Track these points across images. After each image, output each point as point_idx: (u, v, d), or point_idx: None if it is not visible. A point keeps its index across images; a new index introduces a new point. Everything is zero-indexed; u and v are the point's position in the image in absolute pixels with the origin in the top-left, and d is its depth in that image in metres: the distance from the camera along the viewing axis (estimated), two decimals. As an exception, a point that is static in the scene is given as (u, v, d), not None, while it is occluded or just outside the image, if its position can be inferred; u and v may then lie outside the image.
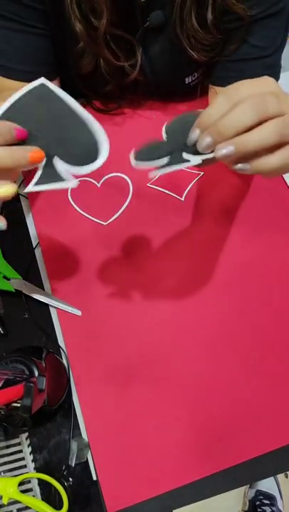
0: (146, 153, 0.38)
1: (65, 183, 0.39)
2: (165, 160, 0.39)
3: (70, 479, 0.50)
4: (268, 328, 0.57)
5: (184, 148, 0.39)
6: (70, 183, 0.39)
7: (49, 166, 0.39)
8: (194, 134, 0.37)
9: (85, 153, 0.39)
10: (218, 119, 0.34)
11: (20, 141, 0.38)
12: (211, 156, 0.37)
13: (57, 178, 0.39)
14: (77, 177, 0.39)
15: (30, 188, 0.39)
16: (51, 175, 0.39)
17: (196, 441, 0.51)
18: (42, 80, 0.38)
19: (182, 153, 0.39)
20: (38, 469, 0.51)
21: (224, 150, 0.34)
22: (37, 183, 0.39)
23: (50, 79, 0.60)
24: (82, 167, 0.39)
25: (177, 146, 0.39)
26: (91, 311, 0.57)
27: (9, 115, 0.38)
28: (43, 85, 0.38)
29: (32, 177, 0.39)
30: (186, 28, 0.54)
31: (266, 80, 0.36)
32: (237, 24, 0.55)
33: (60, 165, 0.39)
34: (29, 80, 0.57)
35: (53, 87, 0.38)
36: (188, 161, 0.39)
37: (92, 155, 0.39)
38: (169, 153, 0.39)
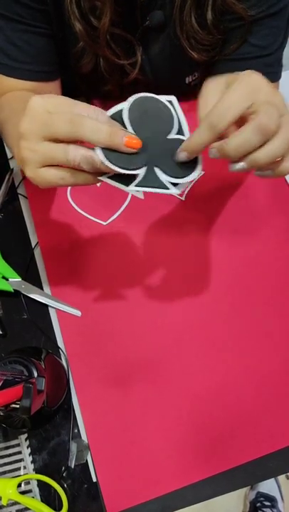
0: (118, 160, 0.38)
1: (167, 191, 0.40)
2: (141, 172, 0.40)
3: (70, 480, 0.50)
4: (270, 328, 0.56)
5: (158, 159, 0.40)
6: (174, 191, 0.40)
7: (150, 173, 0.40)
8: (182, 155, 0.39)
9: (184, 165, 0.40)
10: (226, 145, 0.37)
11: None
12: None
13: (159, 184, 0.40)
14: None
15: (132, 187, 0.40)
16: (153, 180, 0.40)
17: (197, 442, 0.51)
18: (172, 97, 0.40)
19: (158, 172, 0.40)
20: (37, 470, 0.51)
21: (237, 166, 0.38)
22: (138, 185, 0.40)
23: (52, 78, 0.60)
24: (178, 178, 0.40)
25: (150, 152, 0.39)
26: (91, 312, 0.57)
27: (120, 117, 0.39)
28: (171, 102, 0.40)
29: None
30: (185, 28, 0.54)
31: (256, 83, 0.37)
32: (237, 24, 0.55)
33: (161, 175, 0.40)
34: (32, 79, 0.58)
35: (178, 107, 0.40)
36: (167, 188, 0.41)
37: (189, 166, 0.40)
38: (143, 163, 0.39)
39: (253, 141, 0.36)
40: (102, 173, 0.39)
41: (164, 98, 0.40)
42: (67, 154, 0.37)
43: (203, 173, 0.65)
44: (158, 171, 0.40)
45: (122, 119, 0.39)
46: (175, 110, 0.40)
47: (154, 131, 0.40)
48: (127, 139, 0.37)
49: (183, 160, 0.39)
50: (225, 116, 0.36)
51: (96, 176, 0.39)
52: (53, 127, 0.36)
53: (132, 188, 0.41)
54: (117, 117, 0.39)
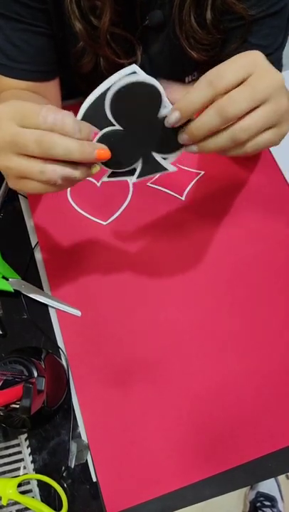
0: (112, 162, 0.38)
1: (165, 171, 0.41)
2: (138, 165, 0.40)
3: (70, 480, 0.50)
4: (270, 328, 0.56)
5: (151, 144, 0.40)
6: (171, 169, 0.41)
7: (149, 159, 0.40)
8: (174, 116, 0.37)
9: (172, 138, 0.39)
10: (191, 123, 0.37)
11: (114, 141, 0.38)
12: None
13: (158, 167, 0.40)
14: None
15: (134, 180, 0.41)
16: (152, 166, 0.40)
17: (197, 442, 0.51)
18: (134, 68, 0.36)
19: (155, 156, 0.40)
20: (37, 470, 0.50)
21: (189, 148, 0.39)
22: (139, 176, 0.41)
23: (51, 78, 0.60)
24: (172, 154, 0.40)
25: (142, 138, 0.39)
26: (91, 312, 0.57)
27: (98, 108, 0.37)
28: (134, 74, 0.36)
29: None
30: (185, 28, 0.54)
31: (252, 57, 0.36)
32: (237, 23, 0.55)
33: (157, 157, 0.40)
34: (30, 79, 0.58)
35: (143, 75, 0.37)
36: (166, 169, 0.41)
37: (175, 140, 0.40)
38: (138, 155, 0.39)
39: (213, 123, 0.36)
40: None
41: (147, 79, 0.37)
42: (44, 175, 0.36)
43: (203, 173, 0.65)
44: (155, 155, 0.40)
45: (103, 109, 0.37)
46: (159, 90, 0.38)
47: (141, 115, 0.38)
48: (97, 153, 0.36)
49: (173, 122, 0.37)
50: (224, 75, 0.35)
51: (81, 176, 0.38)
52: (23, 147, 0.35)
53: (134, 181, 0.41)
54: (99, 106, 0.37)
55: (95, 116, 0.37)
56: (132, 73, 0.35)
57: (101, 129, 0.38)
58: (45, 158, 0.35)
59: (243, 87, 0.35)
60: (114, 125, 0.38)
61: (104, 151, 0.37)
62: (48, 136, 0.34)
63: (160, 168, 0.41)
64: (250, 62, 0.36)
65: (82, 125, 0.36)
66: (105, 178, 0.41)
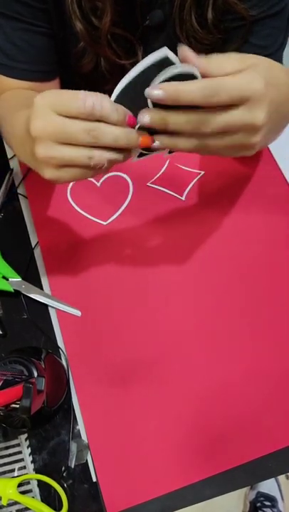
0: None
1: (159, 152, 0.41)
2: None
3: (70, 481, 0.50)
4: (270, 328, 0.56)
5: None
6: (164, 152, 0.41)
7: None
8: (157, 92, 0.35)
9: None
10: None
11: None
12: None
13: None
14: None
15: (136, 159, 0.42)
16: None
17: (197, 442, 0.51)
18: (166, 51, 0.36)
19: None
20: (37, 470, 0.50)
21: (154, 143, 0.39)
22: (139, 156, 0.42)
23: (51, 78, 0.60)
24: None
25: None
26: (91, 312, 0.57)
27: (127, 91, 0.38)
28: (166, 58, 0.36)
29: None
30: (185, 28, 0.54)
31: (255, 80, 0.36)
32: (238, 24, 0.54)
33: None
34: (31, 79, 0.58)
35: (175, 59, 0.36)
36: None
37: None
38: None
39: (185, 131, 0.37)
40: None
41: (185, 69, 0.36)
42: (92, 160, 0.37)
43: (203, 173, 0.65)
44: None
45: (136, 92, 0.37)
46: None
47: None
48: (142, 139, 0.38)
49: (154, 98, 0.35)
50: (221, 93, 0.34)
51: (124, 159, 0.40)
52: (71, 136, 0.36)
53: (166, 155, 0.43)
54: (131, 89, 0.38)
55: (128, 99, 0.38)
56: (164, 58, 0.36)
57: (134, 113, 0.38)
58: (93, 146, 0.37)
59: (229, 116, 0.36)
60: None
61: (147, 138, 0.38)
62: (97, 125, 0.36)
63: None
64: (249, 86, 0.35)
65: (119, 107, 0.37)
66: (135, 159, 0.42)
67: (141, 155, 0.43)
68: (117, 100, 0.38)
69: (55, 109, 0.36)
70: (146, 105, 0.38)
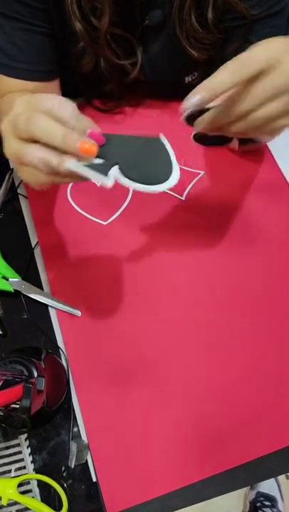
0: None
1: (104, 179, 0.37)
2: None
3: (70, 481, 0.50)
4: (270, 328, 0.56)
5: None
6: (108, 182, 0.37)
7: (103, 166, 0.37)
8: (195, 98, 0.37)
9: (153, 174, 0.40)
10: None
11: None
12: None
13: (102, 172, 0.37)
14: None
15: (72, 163, 0.35)
16: (99, 170, 0.37)
17: (197, 442, 0.51)
18: (161, 138, 0.41)
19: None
20: (37, 470, 0.50)
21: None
22: (81, 167, 0.37)
23: (51, 78, 0.60)
24: (144, 185, 0.40)
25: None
26: (91, 312, 0.57)
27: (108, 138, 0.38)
28: (160, 142, 0.41)
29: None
30: (185, 27, 0.54)
31: (280, 46, 0.38)
32: (238, 23, 0.54)
33: (114, 170, 0.38)
34: (31, 79, 0.57)
35: (168, 146, 0.41)
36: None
37: (158, 178, 0.40)
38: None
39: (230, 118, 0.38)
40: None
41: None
42: (25, 155, 0.35)
43: (203, 173, 0.65)
44: (114, 170, 0.39)
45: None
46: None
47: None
48: (81, 143, 0.33)
49: (194, 103, 0.37)
50: (251, 64, 0.36)
51: (61, 167, 0.35)
52: (15, 126, 0.35)
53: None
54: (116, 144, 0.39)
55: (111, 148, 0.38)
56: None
57: (104, 148, 0.37)
58: (31, 139, 0.34)
59: (264, 82, 0.37)
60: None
61: (88, 146, 0.34)
62: (36, 115, 0.34)
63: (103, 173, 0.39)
64: (277, 52, 0.37)
65: (82, 117, 0.36)
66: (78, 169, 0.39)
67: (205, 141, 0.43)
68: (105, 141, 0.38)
69: (28, 107, 0.36)
70: (118, 147, 0.39)
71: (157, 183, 0.40)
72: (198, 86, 0.37)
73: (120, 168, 0.38)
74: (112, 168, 0.38)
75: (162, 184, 0.40)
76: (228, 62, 0.36)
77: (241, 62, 0.36)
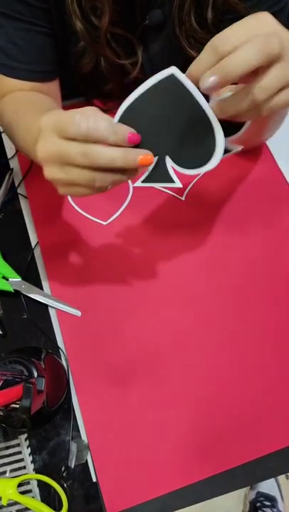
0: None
1: (171, 184, 0.40)
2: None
3: (70, 481, 0.50)
4: (270, 329, 0.56)
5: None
6: (177, 184, 0.40)
7: (159, 164, 0.40)
8: (210, 80, 0.35)
9: (199, 156, 0.40)
10: (224, 60, 0.34)
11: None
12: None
13: (165, 177, 0.40)
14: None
15: (138, 183, 0.41)
16: (160, 174, 0.40)
17: (197, 442, 0.51)
18: (173, 70, 0.37)
19: (168, 164, 0.40)
20: (37, 470, 0.50)
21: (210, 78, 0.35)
22: (144, 181, 0.41)
23: (51, 78, 0.60)
24: (189, 169, 0.40)
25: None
26: (91, 312, 0.57)
27: (132, 110, 0.38)
28: (173, 76, 0.37)
29: None
30: (185, 27, 0.54)
31: (263, 19, 0.36)
32: None
33: (169, 164, 0.40)
34: (31, 79, 0.57)
35: (184, 79, 0.37)
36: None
37: (203, 158, 0.39)
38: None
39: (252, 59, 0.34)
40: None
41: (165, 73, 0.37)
42: (95, 183, 0.38)
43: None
44: (168, 163, 0.40)
45: (141, 110, 0.38)
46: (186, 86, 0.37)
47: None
48: (140, 159, 0.37)
49: (209, 86, 0.35)
50: (228, 40, 0.34)
51: (129, 179, 0.39)
52: (69, 158, 0.36)
53: (139, 185, 0.42)
54: (136, 107, 0.38)
55: (132, 118, 0.38)
56: (170, 75, 0.37)
57: (138, 130, 0.38)
58: (93, 168, 0.37)
59: (250, 45, 0.34)
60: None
61: (145, 157, 0.38)
62: (91, 148, 0.36)
63: (167, 178, 0.41)
64: (258, 24, 0.35)
65: (117, 127, 0.37)
66: (138, 183, 0.42)
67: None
68: (122, 119, 0.38)
69: (57, 132, 0.37)
70: (153, 125, 0.38)
71: (205, 155, 0.39)
72: (212, 68, 0.35)
73: (172, 159, 0.40)
74: (167, 164, 0.40)
75: (212, 160, 0.39)
76: (246, 44, 0.34)
77: (219, 40, 0.35)
